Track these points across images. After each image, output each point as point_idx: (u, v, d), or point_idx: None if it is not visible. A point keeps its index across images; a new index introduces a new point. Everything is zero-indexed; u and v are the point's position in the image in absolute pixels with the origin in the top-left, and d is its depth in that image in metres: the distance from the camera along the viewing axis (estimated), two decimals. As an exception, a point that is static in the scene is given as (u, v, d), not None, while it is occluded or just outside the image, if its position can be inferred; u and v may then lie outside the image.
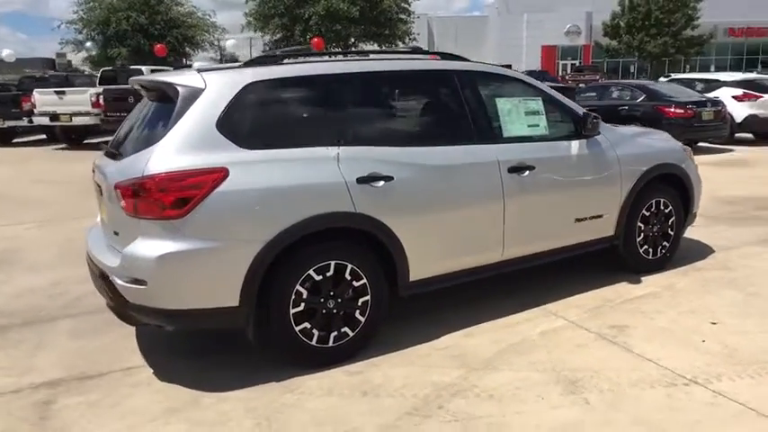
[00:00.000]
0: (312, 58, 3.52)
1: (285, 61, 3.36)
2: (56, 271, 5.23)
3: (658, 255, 4.67)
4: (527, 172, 3.77)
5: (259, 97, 3.13)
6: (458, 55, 3.96)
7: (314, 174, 3.11)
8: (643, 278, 4.50)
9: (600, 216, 4.24)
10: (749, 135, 12.93)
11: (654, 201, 4.54)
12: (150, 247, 2.86)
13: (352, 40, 21.34)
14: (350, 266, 3.21)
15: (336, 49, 19.83)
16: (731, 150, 11.84)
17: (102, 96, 13.86)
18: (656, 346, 3.35)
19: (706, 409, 2.72)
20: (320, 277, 3.14)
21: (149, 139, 3.04)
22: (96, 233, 3.62)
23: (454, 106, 3.69)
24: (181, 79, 3.10)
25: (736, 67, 46.97)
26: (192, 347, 3.61)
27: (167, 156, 2.88)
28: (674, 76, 20.25)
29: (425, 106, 3.75)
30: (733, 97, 12.40)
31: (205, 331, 3.59)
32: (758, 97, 12.45)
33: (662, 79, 19.57)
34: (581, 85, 34.03)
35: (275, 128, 3.21)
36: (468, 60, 3.99)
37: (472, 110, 3.70)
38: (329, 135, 3.24)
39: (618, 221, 4.34)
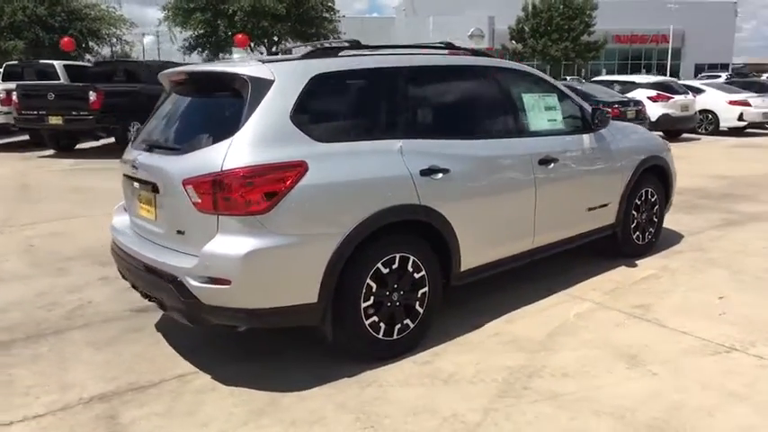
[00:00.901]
0: (365, 51, 3.51)
1: (341, 54, 3.33)
2: (35, 281, 4.81)
3: (646, 240, 5.08)
4: (552, 164, 3.99)
5: (325, 89, 3.09)
6: (484, 52, 4.11)
7: (383, 166, 3.13)
8: (637, 262, 4.88)
9: (606, 205, 4.56)
10: (660, 133, 14.22)
11: (644, 190, 4.94)
12: (234, 244, 2.75)
13: (276, 38, 20.96)
14: (412, 259, 3.25)
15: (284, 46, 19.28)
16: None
17: (14, 93, 12.66)
18: (684, 321, 3.68)
19: (757, 372, 3.04)
20: (387, 270, 3.15)
21: (216, 132, 2.90)
22: (130, 233, 3.40)
23: (494, 101, 3.84)
24: (247, 70, 2.98)
25: (622, 70, 51.15)
26: (235, 350, 3.48)
27: (247, 149, 2.77)
28: (569, 78, 21.70)
29: (471, 100, 3.86)
30: (648, 98, 13.55)
31: (249, 332, 3.47)
32: (669, 98, 13.71)
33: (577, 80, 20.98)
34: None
35: (342, 120, 3.19)
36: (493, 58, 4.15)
37: (508, 105, 3.88)
38: (391, 128, 3.27)
39: (618, 210, 4.68)
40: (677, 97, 13.87)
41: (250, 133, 2.80)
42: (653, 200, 5.07)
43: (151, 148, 3.23)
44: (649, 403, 2.76)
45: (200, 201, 2.79)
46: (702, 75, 40.63)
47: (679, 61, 54.28)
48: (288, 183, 2.78)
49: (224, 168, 2.73)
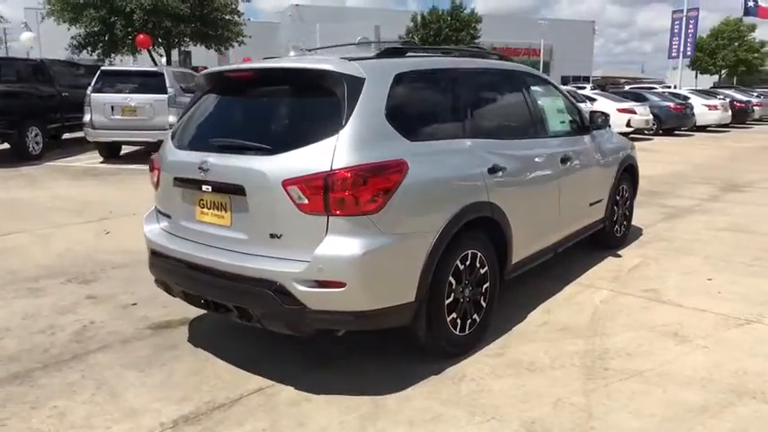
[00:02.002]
0: (421, 53, 3.54)
1: (408, 54, 3.34)
2: (11, 304, 4.28)
3: (621, 233, 5.57)
4: (568, 163, 4.28)
5: (407, 88, 3.10)
6: (509, 58, 4.31)
7: (463, 165, 3.20)
8: (620, 253, 5.34)
9: (600, 200, 4.96)
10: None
11: (622, 186, 5.42)
12: (349, 245, 2.67)
13: (176, 40, 19.84)
14: (479, 255, 3.34)
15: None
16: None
17: None
18: (694, 301, 4.11)
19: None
20: (462, 266, 3.22)
21: (313, 131, 2.79)
22: (185, 241, 3.15)
23: (529, 103, 4.04)
24: (339, 67, 2.90)
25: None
26: (296, 359, 3.34)
27: (354, 148, 2.71)
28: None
29: (515, 103, 4.02)
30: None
31: (293, 340, 3.37)
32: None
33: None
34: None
35: (423, 119, 3.21)
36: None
37: (538, 107, 4.11)
38: (461, 127, 3.35)
39: (607, 205, 5.10)
40: (580, 105, 15.12)
41: (354, 131, 2.74)
42: (626, 195, 5.58)
43: (221, 149, 3.01)
44: (718, 372, 3.08)
45: (306, 202, 2.67)
46: (572, 86, 44.59)
47: (548, 73, 58.90)
48: (395, 181, 2.76)
49: (334, 168, 2.65)
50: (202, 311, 4.01)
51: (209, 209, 3.08)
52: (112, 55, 20.13)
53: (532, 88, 4.20)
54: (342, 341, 3.28)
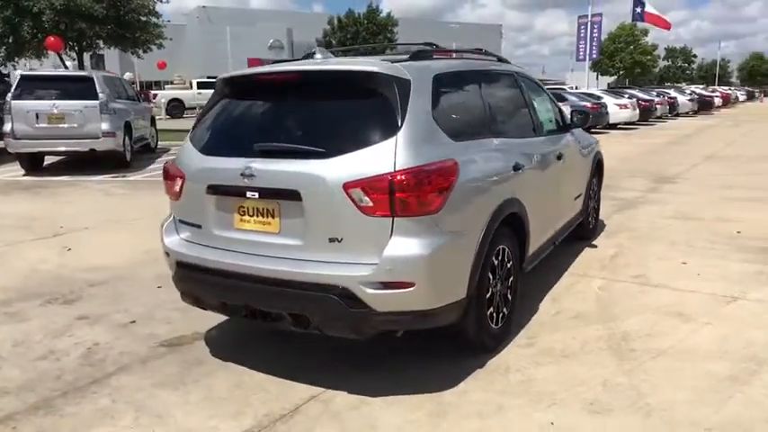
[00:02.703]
0: (447, 56, 3.62)
1: (435, 57, 3.40)
2: (-3, 330, 3.91)
3: (593, 224, 5.94)
4: (562, 160, 4.52)
5: (444, 89, 3.15)
6: (504, 58, 4.47)
7: (496, 163, 3.32)
8: (594, 243, 5.69)
9: (580, 194, 5.26)
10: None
11: (593, 180, 5.78)
12: (416, 246, 2.69)
13: (89, 42, 18.55)
14: (507, 250, 3.47)
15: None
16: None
17: None
18: (682, 283, 4.46)
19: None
20: (496, 262, 3.34)
21: (367, 133, 2.79)
22: (224, 250, 3.04)
23: (532, 104, 4.23)
24: (386, 68, 2.91)
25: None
26: (332, 363, 3.32)
27: (412, 149, 2.73)
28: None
29: (523, 103, 4.17)
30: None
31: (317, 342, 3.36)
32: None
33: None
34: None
35: (460, 119, 3.28)
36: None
37: (538, 107, 4.31)
38: (488, 127, 3.47)
39: (584, 199, 5.42)
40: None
41: (410, 132, 2.76)
42: (596, 188, 5.95)
43: (266, 154, 2.92)
44: (730, 345, 3.39)
45: (371, 204, 2.66)
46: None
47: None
48: (451, 181, 2.81)
49: (397, 169, 2.66)
50: (211, 325, 3.91)
51: (251, 216, 2.99)
52: (16, 59, 18.57)
53: (533, 90, 4.40)
54: (370, 344, 3.31)
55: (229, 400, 2.99)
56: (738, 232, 5.94)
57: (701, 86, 43.63)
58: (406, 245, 2.69)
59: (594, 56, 32.42)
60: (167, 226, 3.40)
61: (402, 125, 2.76)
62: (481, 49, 4.26)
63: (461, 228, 2.92)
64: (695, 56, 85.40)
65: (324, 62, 3.36)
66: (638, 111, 22.16)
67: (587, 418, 2.70)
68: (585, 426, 2.64)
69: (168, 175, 3.36)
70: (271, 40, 56.86)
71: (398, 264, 2.67)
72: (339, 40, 40.21)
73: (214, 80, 3.83)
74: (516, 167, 3.53)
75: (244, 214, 3.02)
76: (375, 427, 2.70)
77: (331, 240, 2.77)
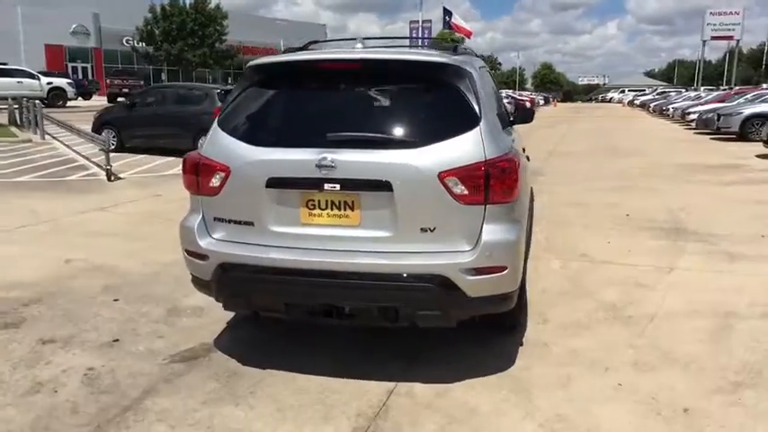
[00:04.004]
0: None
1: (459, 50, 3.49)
2: None
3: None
4: (525, 151, 4.92)
5: (486, 83, 3.30)
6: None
7: (521, 152, 3.54)
8: (523, 228, 6.26)
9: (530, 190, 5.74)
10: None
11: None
12: (505, 231, 2.80)
13: None
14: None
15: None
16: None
17: None
18: (621, 259, 5.13)
19: (707, 275, 4.69)
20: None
21: (450, 123, 2.82)
22: (301, 250, 2.84)
23: (500, 97, 4.50)
24: (454, 60, 2.95)
25: (238, 79, 53.79)
26: (377, 356, 3.30)
27: (493, 138, 2.83)
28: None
29: (497, 95, 4.40)
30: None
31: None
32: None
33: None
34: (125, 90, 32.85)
35: (498, 112, 3.42)
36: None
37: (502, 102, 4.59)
38: (505, 120, 3.69)
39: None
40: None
41: (488, 122, 2.86)
42: (520, 182, 6.53)
43: (343, 144, 2.77)
44: (696, 305, 4.03)
45: (466, 192, 2.71)
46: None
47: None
48: (520, 169, 2.97)
49: (488, 158, 2.75)
50: (213, 334, 3.60)
51: (323, 209, 2.84)
52: None
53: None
54: (396, 337, 3.39)
55: (306, 407, 2.82)
56: (628, 215, 6.96)
57: (511, 91, 48.89)
58: (498, 231, 2.79)
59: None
60: (198, 227, 3.04)
61: (481, 116, 2.85)
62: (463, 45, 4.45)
63: (523, 214, 3.11)
64: (500, 63, 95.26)
65: (386, 51, 3.28)
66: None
67: (642, 377, 3.07)
68: (645, 383, 3.00)
69: (201, 170, 3.02)
70: (74, 26, 50.78)
71: (496, 249, 2.76)
72: (163, 30, 37.38)
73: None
74: (528, 158, 3.81)
75: (314, 208, 2.85)
76: (475, 411, 2.77)
77: (423, 230, 2.77)
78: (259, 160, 2.88)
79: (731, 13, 46.23)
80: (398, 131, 2.86)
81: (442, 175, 2.71)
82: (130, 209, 7.30)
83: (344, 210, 2.82)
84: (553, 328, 3.70)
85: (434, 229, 2.77)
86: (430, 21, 33.93)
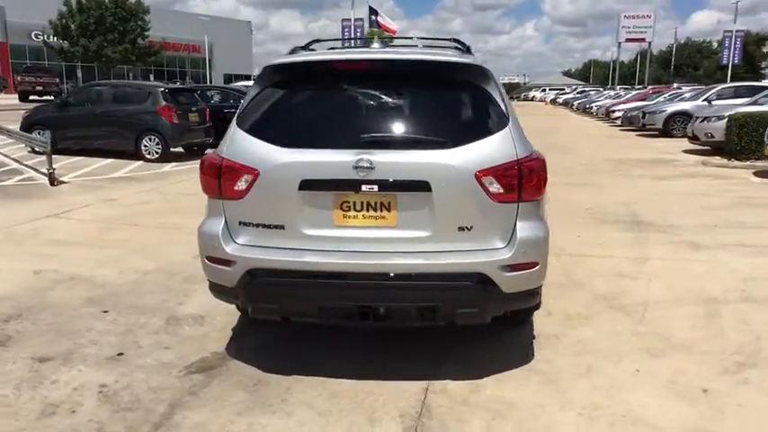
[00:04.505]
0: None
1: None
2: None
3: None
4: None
5: None
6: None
7: None
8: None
9: None
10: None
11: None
12: (537, 228, 2.89)
13: None
14: None
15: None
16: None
17: None
18: (596, 251, 5.40)
19: (679, 264, 5.01)
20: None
21: (479, 123, 2.89)
22: (335, 253, 2.81)
23: None
24: (475, 60, 3.00)
25: (159, 77, 51.73)
26: (396, 355, 3.32)
27: (522, 137, 2.90)
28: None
29: None
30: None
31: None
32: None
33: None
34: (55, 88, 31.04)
35: None
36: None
37: None
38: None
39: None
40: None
41: (514, 122, 2.92)
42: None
43: (378, 145, 2.75)
44: (678, 293, 4.30)
45: (502, 191, 2.77)
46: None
47: (212, 71, 58.37)
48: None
49: (519, 157, 2.82)
50: (222, 342, 3.50)
51: (358, 211, 2.81)
52: None
53: None
54: (408, 336, 3.45)
55: (346, 411, 2.80)
56: (588, 209, 7.31)
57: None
58: (530, 228, 2.87)
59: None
60: (223, 233, 2.93)
61: (509, 116, 2.93)
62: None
63: (545, 211, 3.21)
64: None
65: (412, 52, 3.27)
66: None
67: (656, 362, 3.26)
68: (660, 368, 3.19)
69: (224, 173, 2.90)
70: (-24, 17, 46.99)
71: (530, 245, 2.85)
72: (80, 24, 35.17)
73: None
74: None
75: (349, 210, 2.82)
76: (514, 405, 2.84)
77: (460, 229, 2.81)
78: (291, 162, 2.81)
79: (644, 16, 49.39)
80: (434, 132, 2.88)
81: (479, 175, 2.76)
82: (86, 215, 6.88)
83: (381, 211, 2.82)
84: (559, 319, 3.84)
85: (471, 227, 2.81)
86: (362, 19, 33.96)
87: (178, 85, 18.55)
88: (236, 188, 2.90)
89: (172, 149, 11.39)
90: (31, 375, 3.11)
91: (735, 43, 38.53)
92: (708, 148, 13.00)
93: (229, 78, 58.64)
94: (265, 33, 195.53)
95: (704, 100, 16.59)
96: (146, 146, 11.18)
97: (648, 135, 18.15)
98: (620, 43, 52.85)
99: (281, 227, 2.87)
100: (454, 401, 2.88)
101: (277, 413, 2.79)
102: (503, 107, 2.94)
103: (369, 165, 2.73)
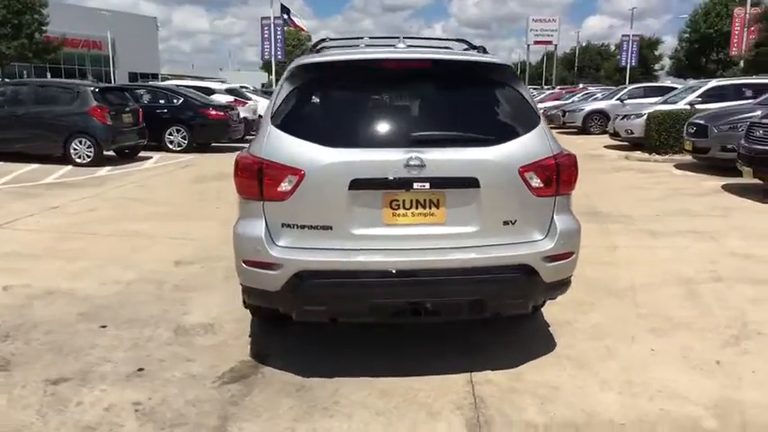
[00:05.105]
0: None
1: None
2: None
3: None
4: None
5: None
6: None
7: None
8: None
9: None
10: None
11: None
12: (571, 220, 3.05)
13: None
14: None
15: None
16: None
17: None
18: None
19: (645, 251, 5.39)
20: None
21: (516, 120, 3.00)
22: (385, 251, 2.82)
23: None
24: (503, 60, 3.11)
25: (55, 74, 48.07)
26: (421, 349, 3.39)
27: (552, 135, 3.05)
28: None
29: None
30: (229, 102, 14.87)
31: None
32: (245, 103, 15.40)
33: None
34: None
35: None
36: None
37: None
38: None
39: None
40: (250, 102, 15.72)
41: (544, 120, 3.08)
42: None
43: (427, 143, 2.78)
44: (656, 277, 4.66)
45: (542, 185, 2.89)
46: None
47: (115, 68, 55.21)
48: None
49: (554, 153, 2.96)
50: (247, 347, 3.42)
51: (407, 209, 2.84)
52: None
53: None
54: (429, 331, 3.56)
55: (403, 408, 2.83)
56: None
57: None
58: (566, 220, 3.03)
59: (280, 56, 34.03)
60: (265, 237, 2.85)
61: (539, 114, 3.07)
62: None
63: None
64: None
65: (449, 52, 3.31)
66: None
67: (664, 341, 3.53)
68: (670, 346, 3.46)
69: (265, 174, 2.82)
70: None
71: (568, 236, 3.00)
72: (-32, 16, 31.98)
73: None
74: None
75: (398, 208, 2.84)
76: (558, 389, 2.98)
77: (505, 223, 2.91)
78: (340, 162, 2.79)
79: (549, 20, 52.19)
80: (479, 129, 2.97)
81: (522, 170, 2.88)
82: (33, 225, 6.35)
83: (430, 208, 2.86)
84: (567, 306, 4.01)
85: (515, 221, 2.92)
86: (282, 17, 33.41)
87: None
88: (279, 189, 2.83)
89: (105, 153, 10.72)
90: (51, 399, 2.88)
91: (632, 47, 41.83)
92: (627, 143, 14.01)
93: (135, 77, 55.62)
94: (168, 30, 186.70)
95: (617, 99, 17.85)
96: (75, 149, 10.45)
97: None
98: (528, 45, 55.53)
99: (329, 227, 2.84)
100: (502, 390, 2.98)
101: (335, 416, 2.76)
102: (532, 105, 3.08)
103: (420, 163, 2.77)
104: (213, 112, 12.81)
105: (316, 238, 2.86)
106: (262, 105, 17.09)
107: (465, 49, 3.66)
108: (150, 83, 17.63)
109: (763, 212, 7.09)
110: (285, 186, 2.82)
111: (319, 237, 2.86)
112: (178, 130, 12.87)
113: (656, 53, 56.41)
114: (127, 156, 11.79)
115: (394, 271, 2.81)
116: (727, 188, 8.64)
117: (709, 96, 12.68)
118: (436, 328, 3.56)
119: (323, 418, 2.74)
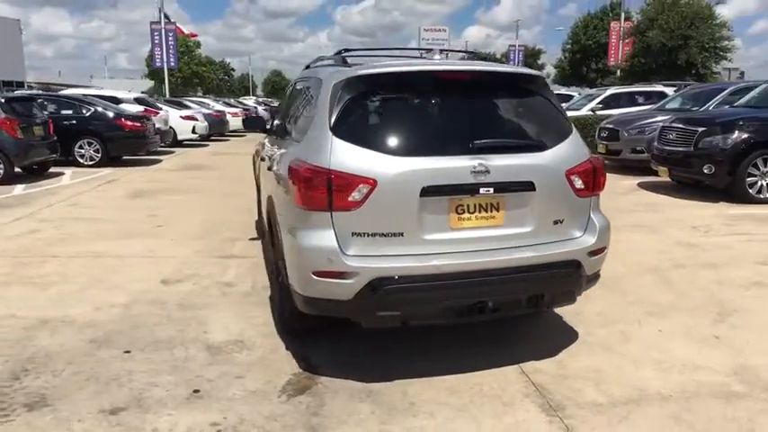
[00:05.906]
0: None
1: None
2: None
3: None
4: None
5: None
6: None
7: None
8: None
9: None
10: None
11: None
12: (603, 217, 3.42)
13: None
14: None
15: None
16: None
17: None
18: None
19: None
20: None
21: (554, 127, 3.30)
22: (451, 255, 2.98)
23: None
24: (540, 72, 3.39)
25: None
26: (454, 344, 3.60)
27: (583, 141, 3.39)
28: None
29: None
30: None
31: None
32: (157, 113, 14.63)
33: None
34: None
35: None
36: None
37: None
38: None
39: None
40: (161, 112, 14.95)
41: (575, 128, 3.41)
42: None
43: (488, 150, 2.98)
44: (628, 256, 5.20)
45: (583, 186, 3.22)
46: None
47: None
48: None
49: (589, 157, 3.29)
50: (290, 359, 3.45)
51: (471, 213, 3.03)
52: None
53: None
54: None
55: (477, 401, 3.00)
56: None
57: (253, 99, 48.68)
58: (600, 217, 3.39)
59: (173, 64, 32.51)
60: (336, 250, 2.89)
61: (568, 120, 3.40)
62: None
63: None
64: (234, 69, 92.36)
65: (495, 65, 3.51)
66: (207, 123, 18.58)
67: (664, 322, 3.99)
68: (670, 326, 3.92)
69: (334, 185, 2.87)
70: None
71: (605, 233, 3.36)
72: None
73: None
74: None
75: (462, 213, 3.02)
76: (601, 371, 3.30)
77: (555, 222, 3.20)
78: (411, 170, 2.92)
79: (440, 30, 54.44)
80: (530, 136, 3.25)
81: (568, 173, 3.19)
82: (-26, 250, 5.72)
83: (491, 211, 3.07)
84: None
85: (563, 220, 3.22)
86: (174, 22, 31.95)
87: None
88: (350, 199, 2.90)
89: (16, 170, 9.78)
90: (121, 429, 2.72)
91: (518, 56, 44.87)
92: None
93: (-2, 86, 50.53)
94: (27, 33, 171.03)
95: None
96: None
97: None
98: (422, 54, 57.12)
99: (400, 234, 2.95)
100: (554, 377, 3.24)
101: (418, 415, 2.87)
102: (563, 113, 3.42)
103: (485, 169, 2.97)
104: (129, 123, 12.07)
105: (387, 245, 2.96)
106: (173, 116, 16.43)
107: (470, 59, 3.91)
108: (62, 92, 16.14)
109: (685, 207, 8.03)
110: (357, 196, 2.90)
111: (391, 244, 2.96)
112: (90, 143, 12.01)
113: (539, 62, 60.89)
114: (36, 172, 10.82)
115: (462, 273, 2.99)
116: (642, 186, 9.67)
117: (607, 103, 14.05)
118: (465, 326, 3.74)
119: (408, 418, 2.84)
